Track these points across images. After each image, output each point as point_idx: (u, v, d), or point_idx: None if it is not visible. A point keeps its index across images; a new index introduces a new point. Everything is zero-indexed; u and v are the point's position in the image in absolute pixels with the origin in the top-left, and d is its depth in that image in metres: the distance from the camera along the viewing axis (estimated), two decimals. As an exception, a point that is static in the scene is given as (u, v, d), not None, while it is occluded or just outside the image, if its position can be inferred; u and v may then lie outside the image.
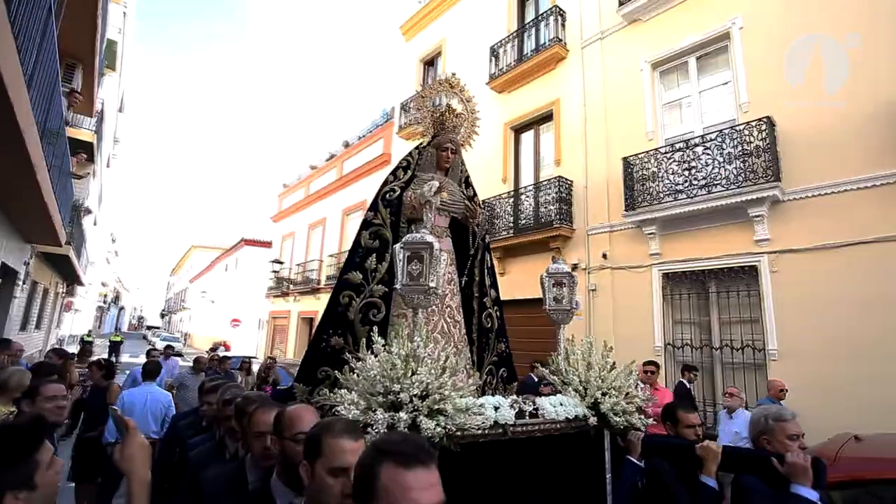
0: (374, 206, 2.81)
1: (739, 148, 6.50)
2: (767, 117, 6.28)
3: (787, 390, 5.22)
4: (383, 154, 14.46)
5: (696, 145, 6.99)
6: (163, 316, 67.42)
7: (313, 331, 2.58)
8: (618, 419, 2.26)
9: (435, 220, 2.79)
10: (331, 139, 73.17)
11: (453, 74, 3.16)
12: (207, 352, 11.22)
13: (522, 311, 7.65)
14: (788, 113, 6.28)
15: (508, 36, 10.62)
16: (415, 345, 1.86)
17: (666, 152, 7.31)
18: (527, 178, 9.75)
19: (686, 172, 6.97)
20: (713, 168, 6.71)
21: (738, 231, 6.59)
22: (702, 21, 7.45)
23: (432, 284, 2.04)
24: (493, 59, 10.68)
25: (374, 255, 2.65)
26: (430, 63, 13.86)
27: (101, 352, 18.38)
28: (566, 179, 8.57)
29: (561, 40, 9.30)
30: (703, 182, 6.78)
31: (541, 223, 8.61)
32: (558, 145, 9.05)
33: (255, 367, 9.24)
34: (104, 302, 45.35)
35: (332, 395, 1.82)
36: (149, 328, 58.37)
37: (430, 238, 2.11)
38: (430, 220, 2.71)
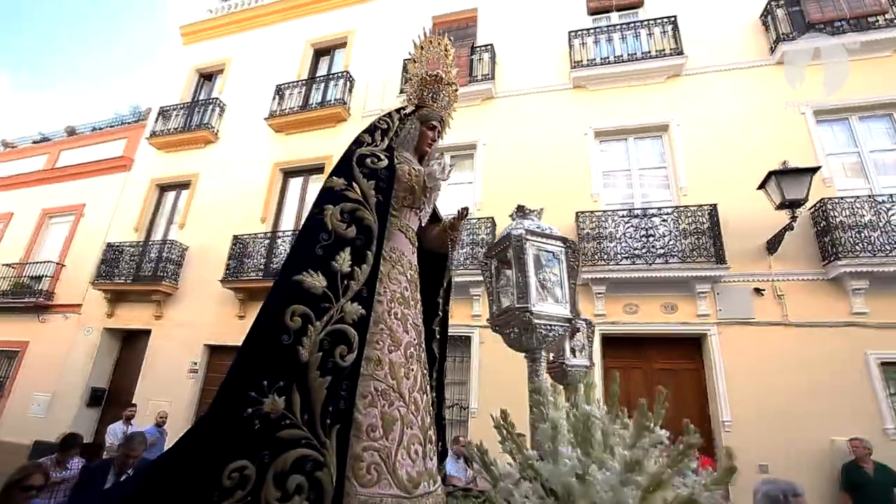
0: (344, 172, 1.81)
1: (472, 237, 7.89)
2: (491, 217, 7.87)
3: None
4: (123, 157, 12.08)
5: (440, 227, 8.16)
6: None
7: (223, 382, 1.41)
8: None
9: (410, 219, 2.04)
10: (48, 118, 57.34)
11: (450, 40, 2.38)
12: None
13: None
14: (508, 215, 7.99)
15: (297, 81, 10.69)
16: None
17: (417, 228, 8.30)
18: (287, 223, 9.57)
19: (430, 248, 8.02)
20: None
21: (463, 305, 7.81)
22: (461, 130, 9.00)
23: (579, 314, 1.31)
24: (279, 97, 10.51)
25: (349, 249, 1.61)
26: (207, 77, 12.67)
27: None
28: (327, 233, 8.75)
29: (346, 103, 9.87)
30: (441, 259, 7.89)
31: (294, 271, 8.43)
32: (326, 198, 9.25)
33: None
34: None
35: None
36: None
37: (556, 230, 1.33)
38: (427, 213, 1.99)
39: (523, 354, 1.38)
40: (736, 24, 8.24)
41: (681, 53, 8.06)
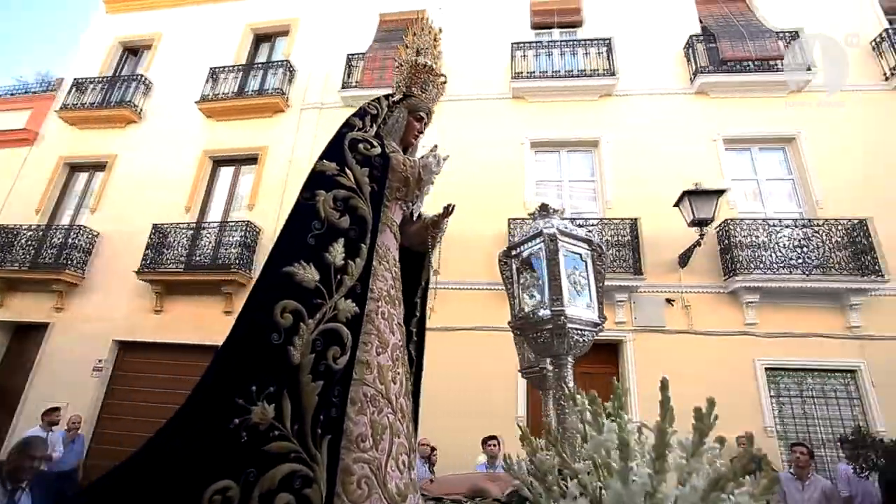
0: (335, 156, 1.66)
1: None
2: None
3: None
4: (27, 130, 10.88)
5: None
6: None
7: (198, 388, 1.25)
8: None
9: (395, 213, 1.91)
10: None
11: (440, 30, 2.26)
12: None
13: (179, 359, 6.90)
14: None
15: (234, 66, 10.19)
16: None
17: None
18: (215, 214, 9.08)
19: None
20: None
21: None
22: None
23: (605, 319, 1.28)
24: (212, 80, 9.95)
25: (343, 241, 1.48)
26: (133, 51, 11.75)
27: None
28: (255, 226, 8.38)
29: (284, 94, 9.53)
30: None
31: (217, 264, 8.01)
32: (256, 191, 8.87)
33: None
34: None
35: None
36: None
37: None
38: (419, 208, 1.93)
39: (548, 359, 1.36)
40: (664, 52, 8.90)
41: (613, 74, 8.57)
